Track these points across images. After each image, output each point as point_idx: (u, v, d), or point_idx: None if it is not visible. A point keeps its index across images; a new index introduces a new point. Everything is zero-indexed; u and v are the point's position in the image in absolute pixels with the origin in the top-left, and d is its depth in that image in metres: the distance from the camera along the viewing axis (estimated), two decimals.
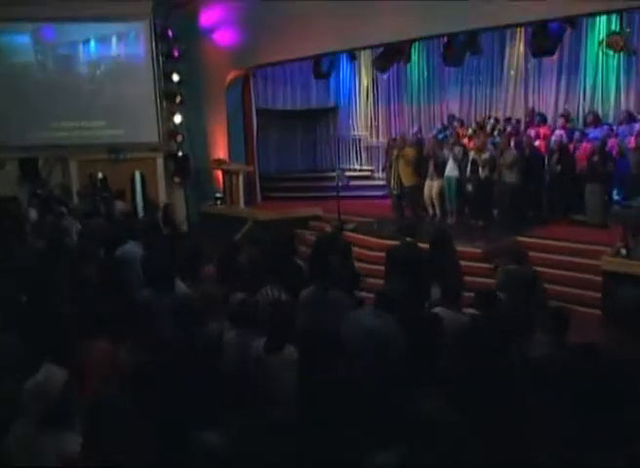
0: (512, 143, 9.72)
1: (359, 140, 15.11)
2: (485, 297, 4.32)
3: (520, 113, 11.59)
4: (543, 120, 10.71)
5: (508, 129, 10.59)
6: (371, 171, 14.90)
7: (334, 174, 14.54)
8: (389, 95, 14.26)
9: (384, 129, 14.56)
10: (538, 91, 11.60)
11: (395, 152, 9.95)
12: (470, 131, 11.42)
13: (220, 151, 13.54)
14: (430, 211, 11.01)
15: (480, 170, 9.97)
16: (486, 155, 9.90)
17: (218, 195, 13.36)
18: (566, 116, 10.46)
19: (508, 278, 5.60)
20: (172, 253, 5.92)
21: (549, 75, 11.35)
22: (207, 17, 13.11)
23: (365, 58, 14.14)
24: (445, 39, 10.31)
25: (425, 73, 13.41)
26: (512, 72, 11.91)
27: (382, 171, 14.14)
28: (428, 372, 3.33)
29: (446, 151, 10.39)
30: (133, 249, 5.98)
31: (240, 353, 3.85)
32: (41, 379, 2.79)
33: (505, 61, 11.95)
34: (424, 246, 6.51)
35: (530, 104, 11.59)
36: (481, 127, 11.46)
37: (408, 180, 9.74)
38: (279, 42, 11.59)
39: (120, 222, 7.50)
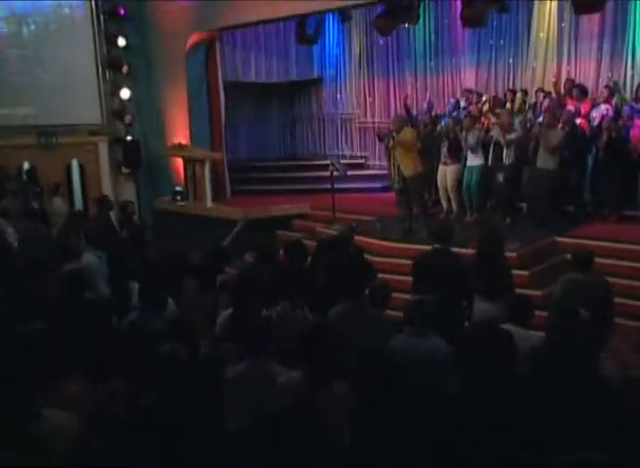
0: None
1: (350, 120, 15.06)
2: (564, 313, 4.18)
3: (551, 85, 11.51)
4: (583, 93, 10.67)
5: (545, 103, 10.53)
6: (364, 157, 14.85)
7: (319, 162, 14.68)
8: (388, 64, 14.19)
9: (382, 106, 14.50)
10: (574, 57, 11.54)
11: (391, 141, 9.75)
12: (487, 106, 11.36)
13: (180, 135, 13.27)
14: (444, 205, 10.94)
15: (505, 155, 9.90)
16: (512, 136, 9.84)
17: (177, 189, 13.20)
18: (611, 88, 10.45)
19: (572, 289, 5.49)
20: (143, 265, 5.70)
21: (588, 38, 11.29)
22: None
23: (358, 20, 14.04)
24: None
25: (433, 37, 13.33)
26: (542, 34, 11.82)
27: (382, 158, 14.14)
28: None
29: (469, 135, 10.26)
30: (93, 260, 5.74)
31: (261, 390, 3.65)
32: None
33: (533, 21, 11.87)
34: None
35: (564, 74, 11.54)
36: (503, 102, 11.42)
37: (408, 169, 9.39)
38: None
39: (71, 226, 7.20)
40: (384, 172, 13.61)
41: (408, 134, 9.45)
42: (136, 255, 6.26)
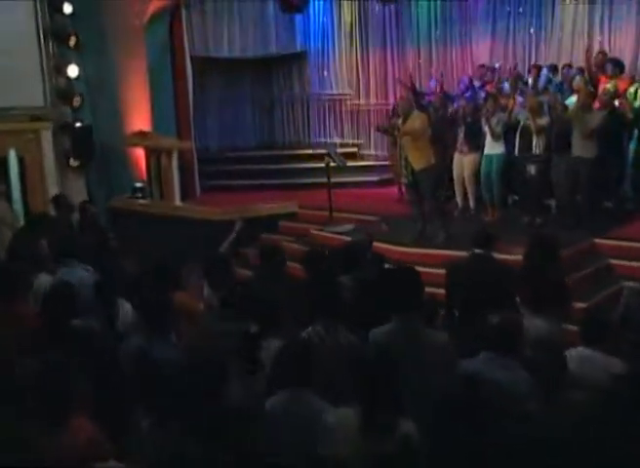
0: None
1: (340, 102, 15.12)
2: None
3: (580, 60, 11.61)
4: (619, 68, 10.82)
5: (576, 79, 10.61)
6: (357, 146, 14.92)
7: (302, 151, 14.77)
8: (385, 35, 14.27)
9: (377, 85, 14.58)
10: (608, 27, 11.68)
11: (397, 130, 9.77)
12: (508, 85, 11.46)
13: (140, 120, 13.17)
14: (459, 200, 11.02)
15: (534, 142, 10.02)
16: (542, 121, 9.97)
17: (137, 185, 13.15)
18: None
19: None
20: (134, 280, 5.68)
21: (625, 3, 11.42)
22: None
23: None
24: None
25: (439, 2, 13.41)
26: (568, 0, 12.01)
27: (378, 147, 14.22)
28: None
29: (492, 119, 10.34)
30: (83, 275, 5.75)
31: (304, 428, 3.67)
32: None
33: None
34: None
35: (596, 47, 11.62)
36: (525, 81, 11.53)
37: (419, 161, 9.37)
38: None
39: (33, 233, 7.12)
40: (382, 163, 13.87)
41: (417, 120, 9.40)
42: (118, 268, 6.21)
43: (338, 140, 15.06)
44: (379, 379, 3.53)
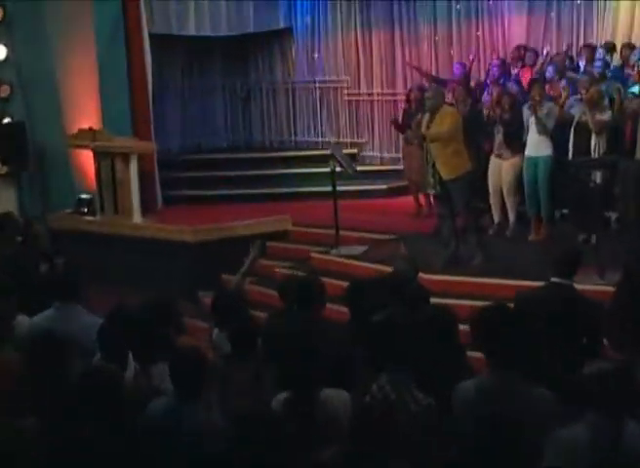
0: None
1: (335, 91, 15.17)
2: None
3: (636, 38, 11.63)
4: None
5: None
6: (357, 146, 14.91)
7: (288, 153, 14.77)
8: (392, 7, 14.28)
9: (383, 70, 14.55)
10: None
11: (421, 126, 9.72)
12: (553, 70, 11.40)
13: (87, 115, 13.05)
14: (496, 215, 10.89)
15: (593, 143, 9.93)
16: (604, 116, 9.87)
17: (83, 197, 12.99)
18: None
19: None
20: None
21: None
22: None
23: None
24: None
25: None
26: None
27: (384, 148, 14.15)
28: None
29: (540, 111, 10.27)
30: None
31: None
32: None
33: None
34: None
35: None
36: (573, 66, 11.52)
37: (448, 169, 9.39)
38: None
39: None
40: (390, 167, 13.99)
41: (447, 118, 9.42)
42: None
43: (332, 139, 14.99)
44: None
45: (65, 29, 13.15)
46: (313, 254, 10.97)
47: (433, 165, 9.48)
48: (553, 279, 6.23)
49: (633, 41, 11.67)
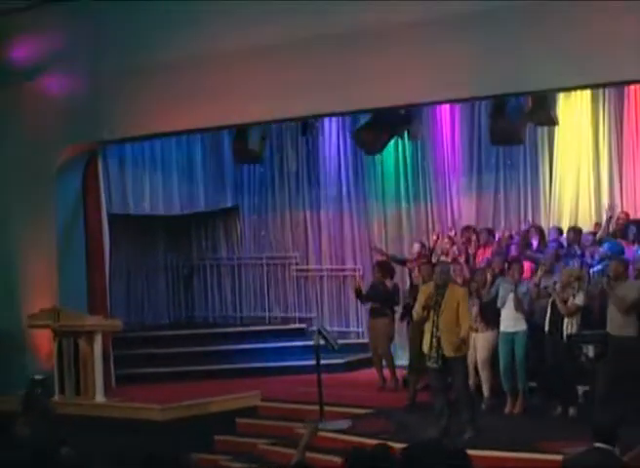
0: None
1: (283, 267, 15.44)
2: None
3: (586, 221, 12.40)
4: None
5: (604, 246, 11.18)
6: (307, 320, 15.09)
7: (234, 329, 14.95)
8: (341, 188, 14.81)
9: (332, 246, 14.97)
10: (619, 185, 12.47)
11: (429, 296, 9.94)
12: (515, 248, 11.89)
13: (45, 294, 13.02)
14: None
15: (566, 322, 10.27)
16: (578, 301, 10.23)
17: (37, 378, 12.57)
18: None
19: None
20: None
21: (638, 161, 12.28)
22: (24, 49, 13.01)
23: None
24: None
25: (408, 151, 14.04)
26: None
27: (335, 320, 14.35)
28: None
29: (503, 287, 10.72)
30: None
31: None
32: None
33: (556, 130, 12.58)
34: None
35: (605, 205, 12.37)
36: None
37: (455, 349, 9.71)
38: (165, 101, 11.92)
39: None
40: (348, 341, 14.08)
41: (457, 292, 9.82)
42: None
43: (279, 314, 15.31)
44: None
45: (25, 204, 13.27)
46: (298, 430, 10.57)
47: (438, 340, 9.66)
48: (597, 444, 6.14)
49: (579, 224, 12.33)
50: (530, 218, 13.09)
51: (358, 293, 12.88)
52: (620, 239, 11.53)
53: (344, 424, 10.62)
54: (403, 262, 12.59)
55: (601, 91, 12.23)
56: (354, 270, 14.68)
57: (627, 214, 11.96)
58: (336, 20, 10.72)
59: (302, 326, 14.95)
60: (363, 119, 12.45)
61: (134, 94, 12.23)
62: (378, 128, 11.62)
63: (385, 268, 12.49)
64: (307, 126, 13.42)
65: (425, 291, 9.92)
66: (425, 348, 9.83)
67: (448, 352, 9.63)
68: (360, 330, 14.61)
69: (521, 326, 10.69)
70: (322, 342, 11.31)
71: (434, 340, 9.70)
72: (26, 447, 7.33)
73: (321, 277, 15.01)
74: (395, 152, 14.10)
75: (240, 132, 12.58)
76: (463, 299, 9.85)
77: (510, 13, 9.65)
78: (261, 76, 11.37)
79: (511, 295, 10.61)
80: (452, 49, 10.06)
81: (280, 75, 11.24)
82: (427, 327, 9.80)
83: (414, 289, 11.69)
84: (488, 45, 9.93)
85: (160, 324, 15.73)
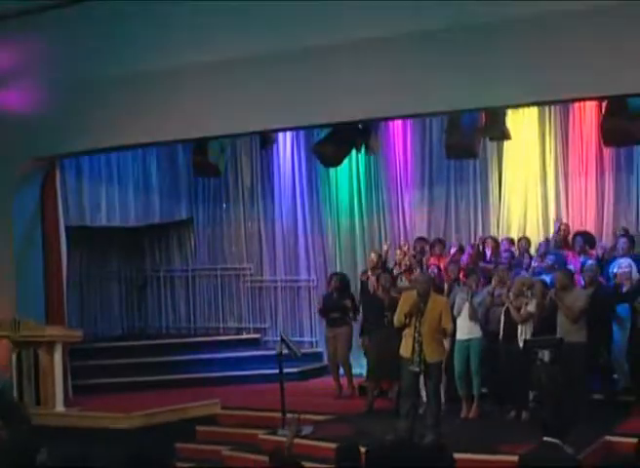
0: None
1: (237, 278, 15.58)
2: None
3: (534, 232, 12.88)
4: (589, 243, 11.94)
5: (550, 257, 11.63)
6: (261, 331, 15.29)
7: (183, 339, 15.10)
8: (295, 201, 15.01)
9: (286, 258, 15.15)
10: (565, 198, 12.99)
11: (412, 302, 10.14)
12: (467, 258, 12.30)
13: (3, 304, 12.79)
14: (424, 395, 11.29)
15: (520, 329, 10.65)
16: (531, 308, 10.60)
17: None
18: (628, 235, 11.72)
19: None
20: None
21: (582, 175, 12.79)
22: None
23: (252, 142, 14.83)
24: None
25: (362, 167, 14.38)
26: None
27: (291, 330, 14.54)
28: None
29: (459, 297, 11.07)
30: None
31: None
32: None
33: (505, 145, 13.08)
34: None
35: (552, 217, 12.92)
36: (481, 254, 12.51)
37: (434, 353, 9.97)
38: (122, 115, 11.95)
39: None
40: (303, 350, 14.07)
41: (439, 301, 10.05)
42: None
43: (233, 324, 15.43)
44: None
45: None
46: (260, 436, 10.87)
47: (421, 345, 9.82)
48: (545, 438, 6.00)
49: (527, 234, 12.82)
50: (480, 230, 13.47)
51: (321, 310, 13.10)
52: (565, 250, 12.01)
53: (307, 430, 10.68)
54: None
55: (547, 107, 12.62)
56: (308, 281, 14.89)
57: (568, 226, 12.44)
58: (292, 37, 10.81)
59: (257, 336, 15.11)
60: (320, 132, 12.66)
61: (90, 108, 12.14)
62: (337, 141, 11.77)
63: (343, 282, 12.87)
64: (267, 139, 13.54)
65: (408, 299, 10.02)
66: (406, 353, 9.94)
67: (430, 357, 9.84)
68: (314, 339, 14.81)
69: (476, 333, 11.04)
70: (285, 351, 11.47)
71: (416, 345, 9.85)
72: (5, 452, 7.47)
73: (275, 288, 15.14)
74: (349, 166, 14.22)
75: (199, 145, 12.63)
76: (445, 308, 10.07)
77: (465, 32, 9.81)
78: (219, 91, 11.43)
79: (467, 305, 10.94)
80: (411, 65, 10.25)
81: (238, 90, 11.30)
82: (409, 332, 9.92)
83: (370, 298, 12.11)
84: (443, 61, 10.05)
85: (114, 335, 15.72)
